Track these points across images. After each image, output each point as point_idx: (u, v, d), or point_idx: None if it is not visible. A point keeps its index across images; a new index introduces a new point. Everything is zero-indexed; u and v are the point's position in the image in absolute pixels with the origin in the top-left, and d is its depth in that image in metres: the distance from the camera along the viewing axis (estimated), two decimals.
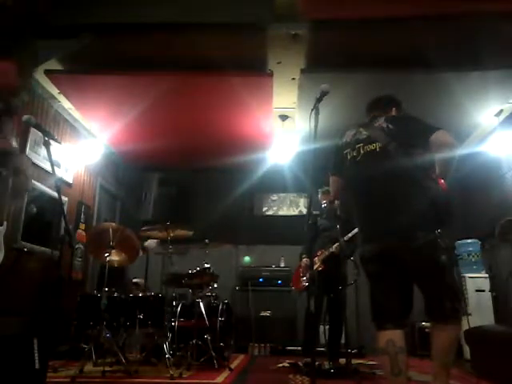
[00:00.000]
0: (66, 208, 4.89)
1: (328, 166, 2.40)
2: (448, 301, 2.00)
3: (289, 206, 6.86)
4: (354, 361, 3.91)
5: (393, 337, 2.00)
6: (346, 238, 3.89)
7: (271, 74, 4.17)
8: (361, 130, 2.29)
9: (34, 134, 4.26)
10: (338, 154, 2.35)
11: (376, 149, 2.16)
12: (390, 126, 2.19)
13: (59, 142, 4.74)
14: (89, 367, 3.50)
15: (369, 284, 2.17)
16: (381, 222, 2.07)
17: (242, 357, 5.03)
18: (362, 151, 2.20)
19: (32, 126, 4.12)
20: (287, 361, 4.28)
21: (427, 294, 2.06)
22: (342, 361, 3.81)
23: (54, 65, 4.10)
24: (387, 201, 2.07)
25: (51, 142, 2.37)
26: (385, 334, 2.02)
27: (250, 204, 6.82)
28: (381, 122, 2.24)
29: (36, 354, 2.21)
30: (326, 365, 3.77)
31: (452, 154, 2.04)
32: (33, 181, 4.33)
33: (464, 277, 5.21)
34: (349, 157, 2.27)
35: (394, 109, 2.42)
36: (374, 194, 2.12)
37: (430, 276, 2.03)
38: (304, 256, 4.18)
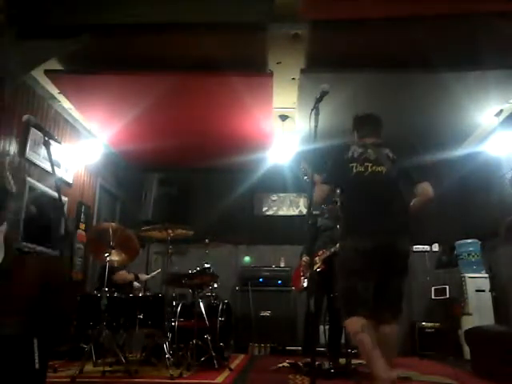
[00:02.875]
0: (66, 208, 4.89)
1: (325, 175, 2.66)
2: (400, 302, 2.50)
3: (289, 206, 6.85)
4: (354, 361, 3.91)
5: (365, 322, 2.28)
6: None
7: (271, 74, 4.16)
8: (369, 151, 2.60)
9: (34, 134, 4.25)
10: (342, 166, 2.60)
11: (382, 171, 2.55)
12: (394, 157, 2.60)
13: (59, 142, 4.75)
14: (89, 367, 3.50)
15: (348, 274, 2.45)
16: (379, 226, 2.44)
17: (242, 357, 5.03)
18: (369, 169, 2.55)
19: (32, 126, 4.14)
20: (287, 361, 4.27)
21: (387, 293, 2.44)
22: (342, 361, 3.81)
23: (54, 65, 4.10)
24: (384, 211, 2.47)
25: (51, 141, 2.37)
26: (358, 320, 2.30)
27: (250, 204, 6.82)
28: (387, 151, 2.62)
29: (36, 354, 2.21)
30: (326, 365, 3.77)
31: (429, 202, 2.58)
32: (33, 181, 4.33)
33: (464, 277, 5.22)
34: (355, 170, 2.56)
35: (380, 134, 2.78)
36: (374, 204, 2.49)
37: (399, 277, 2.51)
38: (304, 255, 4.19)
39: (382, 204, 2.48)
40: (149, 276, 4.79)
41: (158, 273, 4.78)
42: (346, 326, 2.40)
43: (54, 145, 2.41)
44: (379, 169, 2.55)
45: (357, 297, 2.37)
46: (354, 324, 2.31)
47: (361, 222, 2.48)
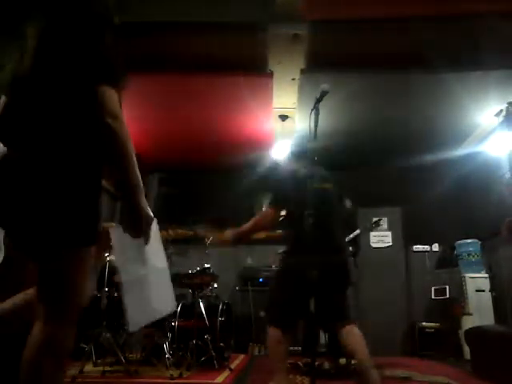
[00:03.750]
0: None
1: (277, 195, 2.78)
2: (347, 310, 2.66)
3: None
4: (354, 361, 3.90)
5: (281, 334, 2.51)
6: (347, 239, 3.90)
7: (271, 74, 4.16)
8: (316, 169, 2.73)
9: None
10: (300, 182, 2.66)
11: (329, 188, 2.78)
12: (331, 177, 2.87)
13: None
14: (89, 367, 3.51)
15: (283, 287, 2.60)
16: (326, 239, 2.60)
17: (241, 357, 5.03)
18: (321, 186, 2.73)
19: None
20: (287, 361, 4.27)
21: (335, 301, 2.62)
22: (342, 361, 3.81)
23: None
24: (329, 226, 2.68)
25: None
26: (277, 331, 2.51)
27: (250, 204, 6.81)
28: (325, 171, 2.85)
29: None
30: (326, 365, 3.77)
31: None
32: None
33: (464, 277, 5.22)
34: (312, 186, 2.64)
35: None
36: (321, 218, 2.58)
37: (344, 286, 2.68)
38: None
39: (332, 219, 2.73)
40: None
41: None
42: (268, 332, 2.58)
43: None
44: (327, 185, 2.78)
45: (281, 309, 2.56)
46: (275, 333, 2.52)
47: (309, 237, 2.55)
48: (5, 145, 1.28)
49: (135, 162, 1.30)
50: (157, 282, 1.40)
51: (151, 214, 1.32)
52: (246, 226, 2.73)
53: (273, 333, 2.53)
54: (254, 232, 2.79)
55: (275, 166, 2.83)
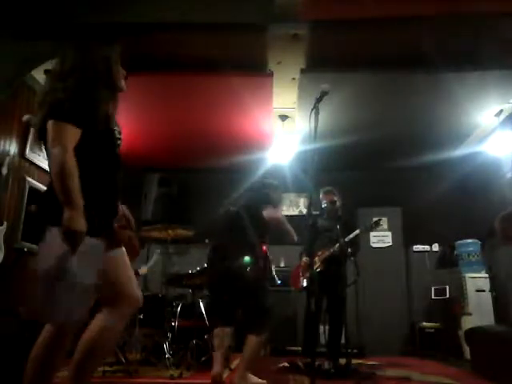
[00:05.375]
0: None
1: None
2: (256, 317, 3.05)
3: (289, 206, 6.84)
4: (354, 361, 3.91)
5: (222, 330, 3.12)
6: (346, 239, 3.91)
7: (271, 74, 4.16)
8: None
9: (34, 134, 4.26)
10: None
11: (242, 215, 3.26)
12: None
13: None
14: None
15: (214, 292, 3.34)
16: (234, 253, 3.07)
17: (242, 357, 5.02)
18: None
19: (32, 126, 4.14)
20: (287, 361, 4.27)
21: (244, 310, 3.17)
22: (342, 361, 3.81)
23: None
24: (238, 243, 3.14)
25: None
26: (220, 328, 3.13)
27: None
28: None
29: None
30: (326, 365, 3.76)
31: None
32: (33, 181, 4.34)
33: (464, 277, 5.22)
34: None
35: None
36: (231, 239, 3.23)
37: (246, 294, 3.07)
38: (304, 256, 4.19)
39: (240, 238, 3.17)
40: (148, 266, 4.75)
41: (157, 262, 4.77)
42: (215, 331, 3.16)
43: None
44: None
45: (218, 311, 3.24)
46: (218, 329, 3.13)
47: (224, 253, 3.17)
48: None
49: (72, 184, 1.57)
50: (68, 289, 1.58)
51: (83, 231, 1.56)
52: None
53: (218, 328, 3.11)
54: None
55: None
